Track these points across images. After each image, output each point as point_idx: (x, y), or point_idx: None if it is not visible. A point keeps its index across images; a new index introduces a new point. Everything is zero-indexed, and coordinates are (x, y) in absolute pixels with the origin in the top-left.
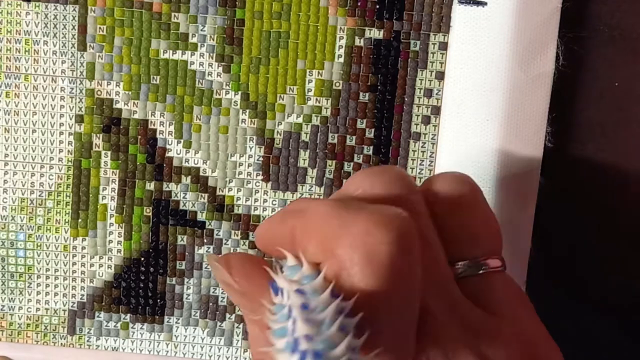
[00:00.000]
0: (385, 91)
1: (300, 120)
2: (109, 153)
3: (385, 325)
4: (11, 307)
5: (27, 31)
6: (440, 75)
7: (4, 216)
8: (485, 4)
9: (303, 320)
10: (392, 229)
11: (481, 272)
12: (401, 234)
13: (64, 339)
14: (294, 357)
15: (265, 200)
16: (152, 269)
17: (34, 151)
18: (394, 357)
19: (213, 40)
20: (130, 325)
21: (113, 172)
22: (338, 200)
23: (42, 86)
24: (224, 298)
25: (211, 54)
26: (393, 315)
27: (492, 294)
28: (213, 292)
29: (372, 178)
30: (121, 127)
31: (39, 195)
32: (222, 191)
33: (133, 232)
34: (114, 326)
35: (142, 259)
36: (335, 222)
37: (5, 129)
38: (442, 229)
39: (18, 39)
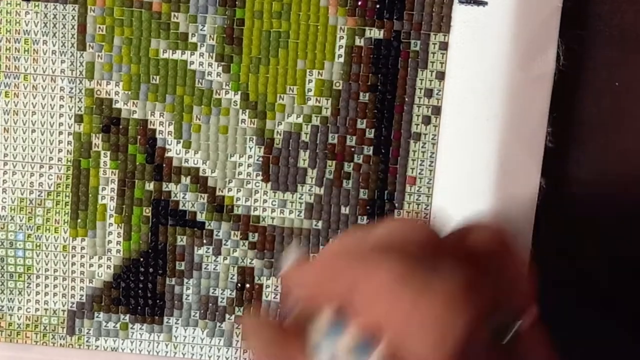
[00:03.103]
0: (386, 91)
1: (300, 120)
2: (108, 153)
3: None
4: (10, 307)
5: (27, 31)
6: (441, 75)
7: (3, 216)
8: (486, 3)
9: None
10: (463, 314)
11: (514, 329)
12: (471, 319)
13: (63, 339)
14: None
15: (265, 201)
16: (151, 270)
17: (33, 151)
18: None
19: (213, 40)
20: (130, 325)
21: (112, 172)
22: (404, 261)
23: (42, 86)
24: (223, 299)
25: (211, 54)
26: None
27: (526, 353)
28: (212, 293)
29: (407, 232)
30: (120, 127)
31: (38, 195)
32: (222, 191)
33: (132, 233)
34: (113, 326)
35: (142, 259)
36: (406, 296)
37: (5, 128)
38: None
39: (17, 39)
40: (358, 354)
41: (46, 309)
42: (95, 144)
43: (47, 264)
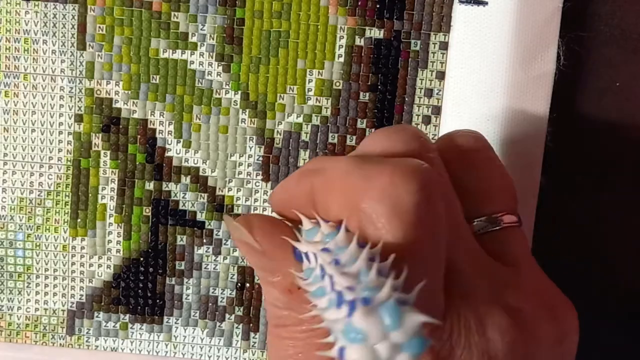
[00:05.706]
0: (386, 91)
1: (300, 120)
2: (108, 153)
3: (413, 278)
4: (10, 307)
5: (27, 30)
6: (441, 75)
7: (2, 216)
8: (486, 3)
9: (339, 275)
10: (416, 179)
11: (498, 228)
12: (425, 184)
13: (63, 339)
14: (341, 310)
15: (265, 200)
16: (151, 269)
17: (33, 151)
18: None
19: (213, 39)
20: (130, 325)
21: (112, 171)
22: (357, 156)
23: (42, 85)
24: (223, 298)
25: (211, 54)
26: (420, 268)
27: (510, 249)
28: (212, 293)
29: (390, 136)
30: (120, 126)
31: (38, 195)
32: (222, 191)
33: (132, 232)
34: (113, 326)
35: (142, 259)
36: (358, 176)
37: (5, 128)
38: (459, 186)
39: (17, 38)
40: (328, 240)
41: (46, 309)
42: (95, 143)
43: (47, 264)
